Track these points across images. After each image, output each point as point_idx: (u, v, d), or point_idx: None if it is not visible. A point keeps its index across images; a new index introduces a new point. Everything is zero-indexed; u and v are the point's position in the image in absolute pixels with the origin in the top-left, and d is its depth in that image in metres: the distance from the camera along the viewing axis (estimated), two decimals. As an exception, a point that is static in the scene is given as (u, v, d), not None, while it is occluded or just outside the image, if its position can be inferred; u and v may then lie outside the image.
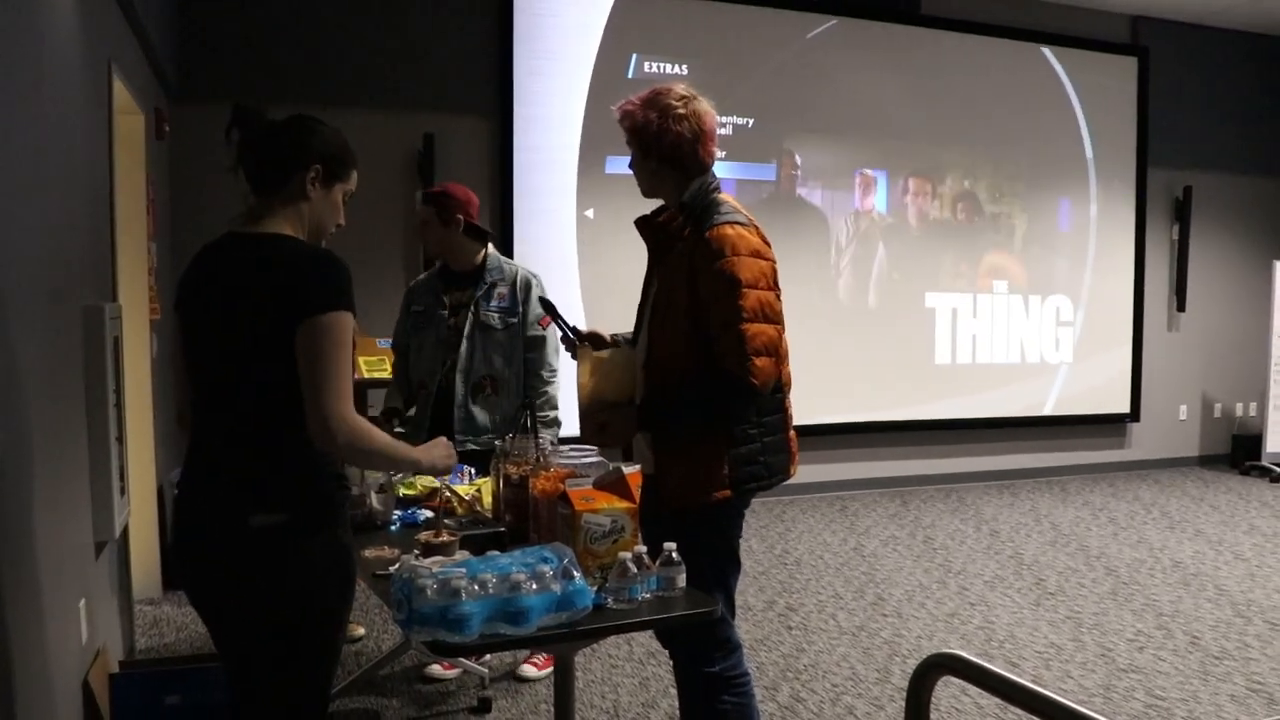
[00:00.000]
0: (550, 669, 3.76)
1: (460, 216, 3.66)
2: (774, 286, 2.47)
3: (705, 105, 2.54)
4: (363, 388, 5.38)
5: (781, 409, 2.56)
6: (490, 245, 3.79)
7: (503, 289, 3.70)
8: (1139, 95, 8.22)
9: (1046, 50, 7.90)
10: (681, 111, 2.49)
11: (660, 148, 2.51)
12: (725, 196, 2.56)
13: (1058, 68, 7.96)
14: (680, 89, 2.54)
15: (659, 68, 6.72)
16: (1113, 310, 8.30)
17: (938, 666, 1.59)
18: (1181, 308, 8.58)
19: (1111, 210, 8.24)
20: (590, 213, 6.61)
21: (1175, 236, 8.54)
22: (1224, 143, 8.62)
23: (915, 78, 7.47)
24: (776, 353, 2.44)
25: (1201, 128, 8.52)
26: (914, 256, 7.60)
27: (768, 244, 2.53)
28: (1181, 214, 8.48)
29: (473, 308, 3.65)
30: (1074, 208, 8.12)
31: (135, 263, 4.27)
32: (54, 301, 2.66)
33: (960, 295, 7.77)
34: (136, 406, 4.15)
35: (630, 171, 2.65)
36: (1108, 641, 4.30)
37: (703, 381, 2.44)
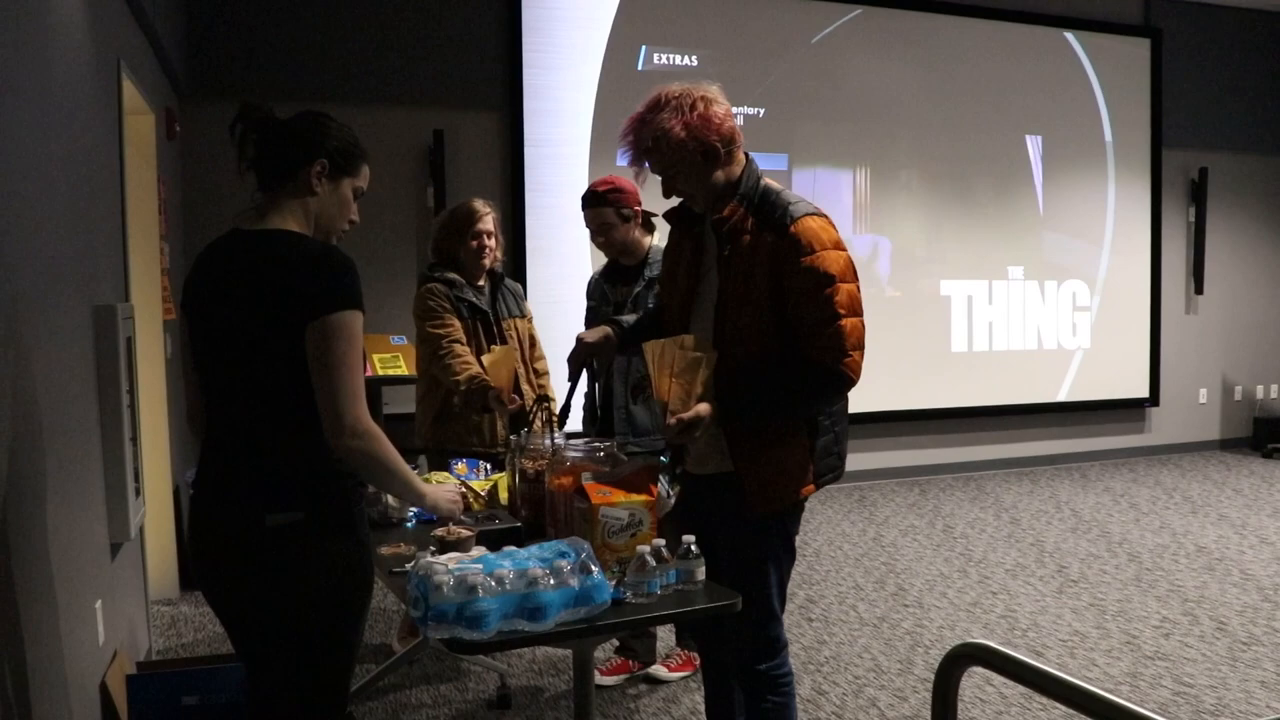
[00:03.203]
0: (687, 671, 3.73)
1: (638, 209, 3.49)
2: (857, 278, 2.39)
3: (714, 86, 2.43)
4: (376, 385, 5.38)
5: (845, 398, 2.52)
6: (655, 234, 3.57)
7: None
8: (1153, 77, 8.13)
9: (1069, 35, 7.82)
10: (710, 97, 2.38)
11: (725, 142, 2.38)
12: (769, 180, 2.46)
13: (1078, 50, 7.88)
14: (677, 86, 2.40)
15: (668, 59, 6.68)
16: (1130, 294, 8.23)
17: (965, 657, 1.56)
18: (1199, 290, 8.49)
19: (1128, 193, 8.16)
20: (602, 205, 6.56)
21: (1192, 218, 8.45)
22: (1240, 123, 8.53)
23: (927, 64, 7.41)
24: (863, 344, 2.36)
25: (1217, 109, 8.43)
26: (929, 244, 7.55)
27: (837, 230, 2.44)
28: (1198, 196, 8.39)
29: (631, 305, 3.44)
30: (1091, 191, 8.04)
31: (148, 263, 4.26)
32: (65, 301, 2.64)
33: (976, 282, 7.71)
34: (151, 406, 4.14)
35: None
36: (1133, 628, 4.26)
37: (799, 376, 2.35)
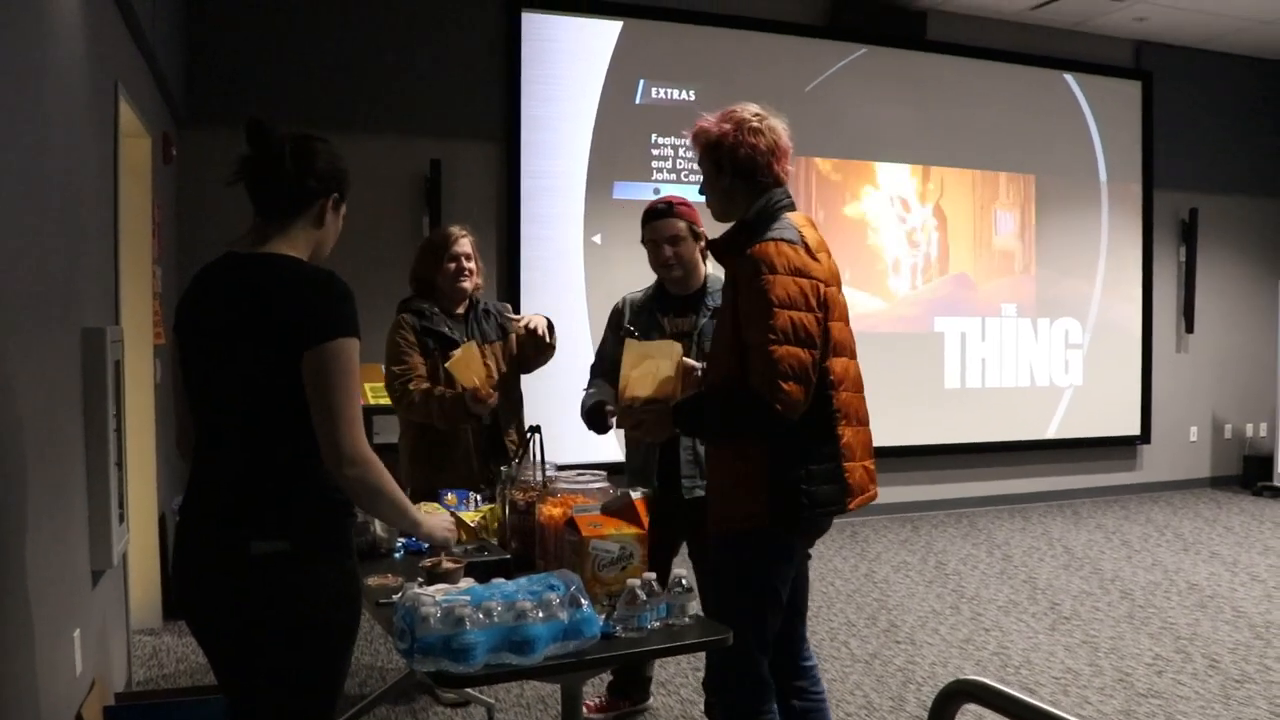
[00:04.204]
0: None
1: (703, 230, 3.23)
2: (814, 308, 2.35)
3: (780, 123, 2.52)
4: (369, 414, 5.35)
5: (833, 437, 2.44)
6: (709, 262, 3.29)
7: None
8: (1144, 119, 8.20)
9: (1069, 77, 7.89)
10: (757, 125, 2.46)
11: (735, 161, 2.45)
12: (793, 215, 2.49)
13: (1077, 92, 7.94)
14: (754, 107, 2.51)
15: (666, 93, 6.72)
16: (1121, 332, 8.25)
17: (960, 694, 1.53)
18: (1190, 329, 8.52)
19: (1120, 232, 8.20)
20: (598, 238, 6.58)
21: (1182, 258, 8.49)
22: (1229, 165, 8.60)
23: (923, 102, 7.45)
24: (807, 378, 2.32)
25: (1207, 150, 8.50)
26: (922, 281, 7.57)
27: (817, 260, 2.42)
28: (1188, 236, 8.44)
29: (696, 339, 3.16)
30: (1085, 230, 8.08)
31: (139, 286, 4.24)
32: (54, 323, 2.62)
33: (969, 319, 7.72)
34: (138, 432, 4.10)
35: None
36: (1125, 666, 4.22)
37: (728, 397, 2.41)
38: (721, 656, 2.46)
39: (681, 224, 3.22)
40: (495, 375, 3.55)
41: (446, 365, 3.38)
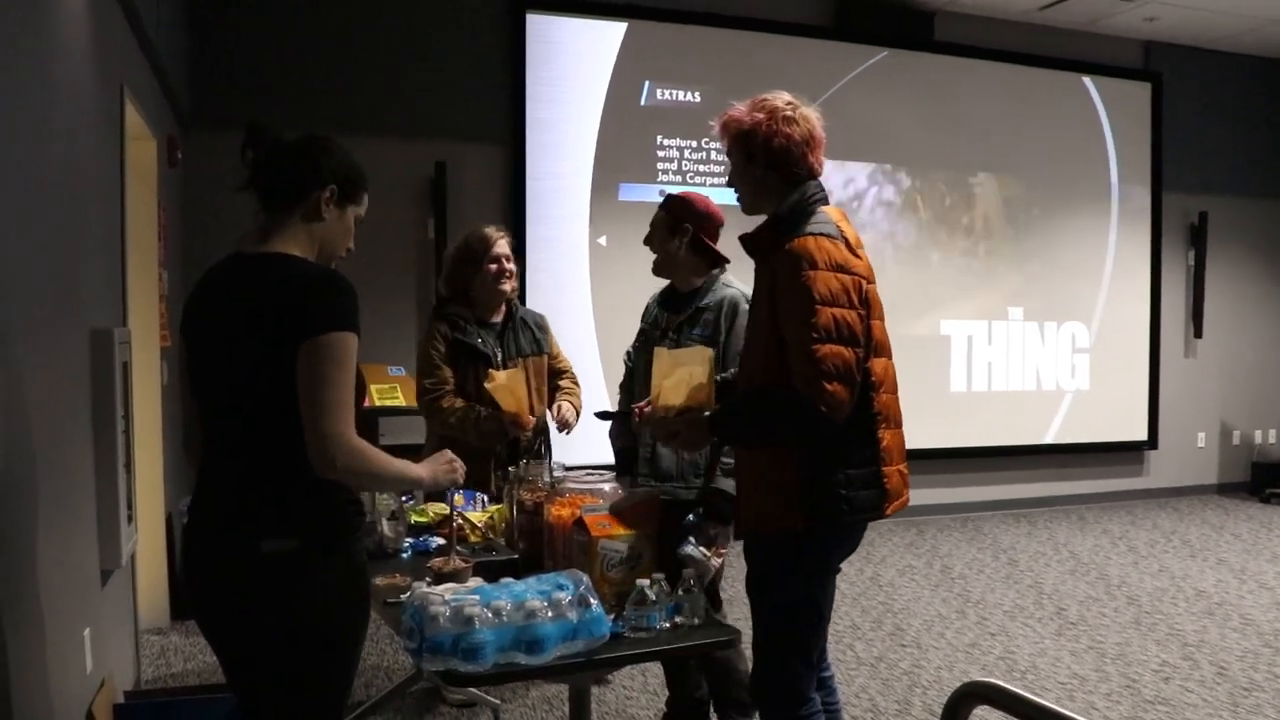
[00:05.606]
0: None
1: (689, 226, 3.12)
2: (857, 305, 2.26)
3: (813, 112, 2.42)
4: (374, 416, 5.35)
5: (873, 441, 2.33)
6: (721, 272, 3.23)
7: (709, 315, 3.11)
8: (1153, 120, 8.17)
9: (1087, 80, 7.88)
10: (791, 114, 2.36)
11: (769, 152, 2.35)
12: (828, 208, 2.39)
13: (1093, 94, 7.92)
14: (786, 96, 2.41)
15: (671, 94, 6.72)
16: (1129, 336, 8.22)
17: (972, 695, 1.53)
18: (1199, 334, 8.49)
19: (1128, 236, 8.17)
20: (603, 239, 6.59)
21: (1191, 262, 8.47)
22: (1239, 168, 8.56)
23: (931, 104, 7.44)
24: (851, 378, 2.21)
25: (1217, 153, 8.47)
26: (929, 283, 7.56)
27: (858, 256, 2.35)
28: (1197, 239, 8.41)
29: (674, 335, 3.14)
30: (1094, 233, 8.06)
31: (146, 289, 4.24)
32: (62, 324, 2.63)
33: (976, 322, 7.71)
34: (146, 433, 4.11)
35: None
36: (1132, 672, 4.21)
37: (768, 401, 2.30)
38: (760, 670, 2.41)
39: (663, 215, 3.17)
40: (536, 397, 3.53)
41: (488, 386, 3.31)
